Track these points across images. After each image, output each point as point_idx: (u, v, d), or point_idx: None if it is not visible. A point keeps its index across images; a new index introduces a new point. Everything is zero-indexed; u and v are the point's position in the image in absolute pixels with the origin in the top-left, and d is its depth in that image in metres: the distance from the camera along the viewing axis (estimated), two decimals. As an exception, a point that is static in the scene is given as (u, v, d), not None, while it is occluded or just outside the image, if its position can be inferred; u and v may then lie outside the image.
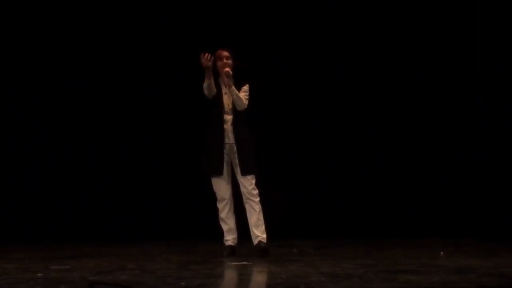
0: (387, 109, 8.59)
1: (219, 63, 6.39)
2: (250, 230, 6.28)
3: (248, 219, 6.30)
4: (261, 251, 6.19)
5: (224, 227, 6.40)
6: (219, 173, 6.32)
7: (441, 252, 6.31)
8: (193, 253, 6.68)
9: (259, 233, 6.24)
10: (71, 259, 6.17)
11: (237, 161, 6.32)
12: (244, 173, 6.29)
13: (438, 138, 8.52)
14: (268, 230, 6.30)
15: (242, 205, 6.36)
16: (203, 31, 8.56)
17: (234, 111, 6.36)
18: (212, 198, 6.44)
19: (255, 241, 6.26)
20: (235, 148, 6.33)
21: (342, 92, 8.62)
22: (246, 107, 6.38)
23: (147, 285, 4.51)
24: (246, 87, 6.44)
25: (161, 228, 8.49)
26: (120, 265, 5.62)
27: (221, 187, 6.35)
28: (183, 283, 4.51)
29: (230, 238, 6.39)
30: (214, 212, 6.46)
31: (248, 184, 6.29)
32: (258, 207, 6.28)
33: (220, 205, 6.38)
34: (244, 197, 6.33)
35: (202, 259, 6.05)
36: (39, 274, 5.06)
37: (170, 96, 8.71)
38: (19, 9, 8.71)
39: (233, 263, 5.77)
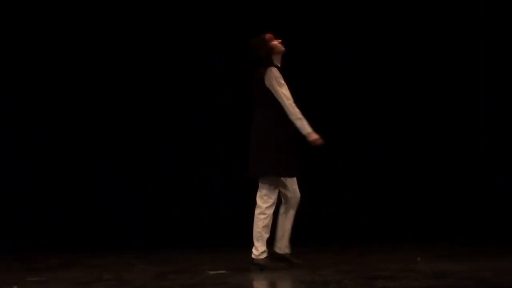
0: (382, 112, 8.51)
1: (275, 42, 5.62)
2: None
3: (279, 226, 5.70)
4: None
5: (266, 236, 5.64)
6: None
7: (418, 258, 6.33)
8: (171, 262, 6.64)
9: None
10: (48, 270, 6.10)
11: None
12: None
13: (421, 145, 8.47)
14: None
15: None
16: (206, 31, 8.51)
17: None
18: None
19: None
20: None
21: (340, 93, 8.55)
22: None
23: (124, 296, 4.48)
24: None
25: (139, 237, 8.44)
26: (97, 277, 5.58)
27: (276, 190, 5.58)
28: (161, 293, 4.49)
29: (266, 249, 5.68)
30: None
31: (296, 186, 5.67)
32: (292, 220, 5.71)
33: (269, 211, 5.57)
34: (284, 200, 5.67)
35: (181, 269, 6.03)
36: (14, 287, 5.01)
37: (170, 96, 8.62)
38: (19, 9, 8.61)
39: (211, 272, 5.75)
